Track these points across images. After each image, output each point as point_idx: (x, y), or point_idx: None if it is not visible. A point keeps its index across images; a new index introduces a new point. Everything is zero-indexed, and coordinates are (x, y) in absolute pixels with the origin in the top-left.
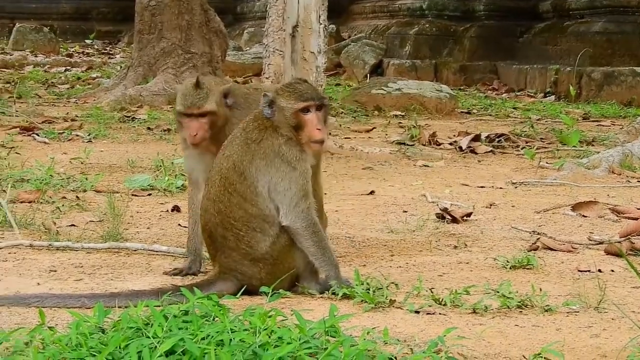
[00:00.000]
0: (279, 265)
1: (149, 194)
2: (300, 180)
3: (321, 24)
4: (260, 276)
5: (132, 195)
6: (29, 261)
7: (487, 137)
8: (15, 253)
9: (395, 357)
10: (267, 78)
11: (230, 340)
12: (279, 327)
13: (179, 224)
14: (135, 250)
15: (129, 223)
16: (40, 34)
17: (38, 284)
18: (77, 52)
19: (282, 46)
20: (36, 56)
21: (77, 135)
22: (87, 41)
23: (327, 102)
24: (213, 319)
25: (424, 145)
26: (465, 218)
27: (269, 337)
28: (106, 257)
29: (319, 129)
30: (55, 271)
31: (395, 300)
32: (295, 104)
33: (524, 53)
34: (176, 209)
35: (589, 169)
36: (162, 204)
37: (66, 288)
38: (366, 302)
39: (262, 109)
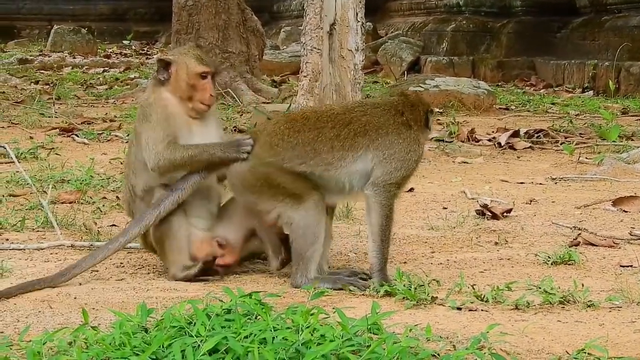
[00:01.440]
0: None
1: None
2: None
3: (359, 21)
4: None
5: None
6: (71, 262)
7: (526, 133)
8: (57, 254)
9: (438, 354)
10: (305, 76)
11: (273, 338)
12: (321, 325)
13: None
14: None
15: None
16: (78, 35)
17: (80, 284)
18: (115, 53)
19: (320, 44)
20: (74, 57)
21: (116, 136)
22: (125, 42)
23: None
24: (255, 317)
25: (463, 141)
26: (505, 214)
27: (312, 335)
28: (147, 257)
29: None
30: (97, 271)
31: (437, 297)
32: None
33: (561, 48)
34: None
35: (629, 163)
36: None
37: (108, 288)
38: (408, 299)
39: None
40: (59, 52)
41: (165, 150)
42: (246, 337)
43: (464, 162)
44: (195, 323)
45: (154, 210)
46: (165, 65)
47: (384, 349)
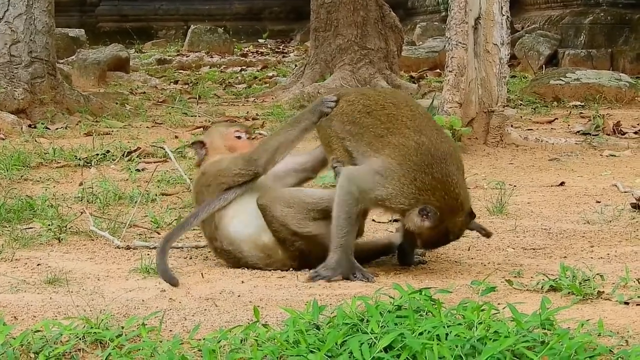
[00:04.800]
0: None
1: None
2: None
3: (503, 15)
4: None
5: None
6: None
7: None
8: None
9: (612, 350)
10: (450, 71)
11: (447, 335)
12: (493, 321)
13: (373, 219)
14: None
15: None
16: (214, 35)
17: (242, 282)
18: (251, 52)
19: (465, 39)
20: (212, 57)
21: (260, 134)
22: (260, 40)
23: None
24: (426, 314)
25: (608, 135)
26: None
27: (486, 331)
28: None
29: None
30: (259, 269)
31: (603, 291)
32: None
33: None
34: None
35: None
36: None
37: (270, 285)
38: (574, 294)
39: None
40: (196, 51)
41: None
42: (420, 333)
43: (612, 155)
44: (367, 320)
45: None
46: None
47: (561, 345)
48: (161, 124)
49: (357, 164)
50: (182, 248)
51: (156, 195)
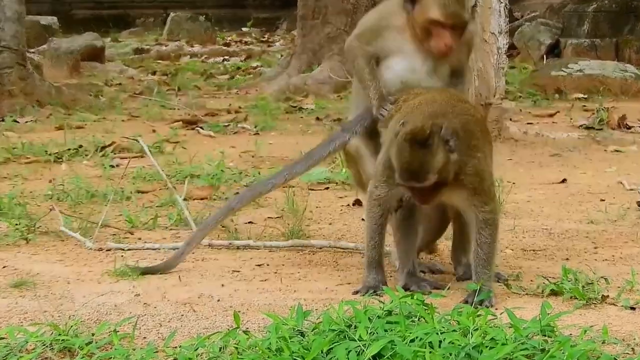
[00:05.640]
0: None
1: (327, 188)
2: None
3: (501, 2)
4: None
5: (309, 189)
6: (210, 261)
7: None
8: (193, 253)
9: (616, 358)
10: None
11: (440, 342)
12: (490, 327)
13: (363, 219)
14: (320, 248)
15: (309, 219)
16: (195, 23)
17: (222, 285)
18: (235, 41)
19: None
20: (192, 46)
21: (244, 128)
22: (244, 29)
23: None
24: (418, 319)
25: (613, 129)
26: None
27: (482, 338)
28: (290, 256)
29: None
30: (239, 271)
31: (607, 295)
32: None
33: None
34: (358, 202)
35: None
36: (341, 197)
37: (252, 289)
38: (577, 298)
39: None
40: (176, 41)
41: (354, 40)
42: (412, 340)
43: (617, 151)
44: (355, 326)
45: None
46: None
47: (563, 353)
48: (138, 117)
49: None
50: (159, 249)
51: (131, 192)
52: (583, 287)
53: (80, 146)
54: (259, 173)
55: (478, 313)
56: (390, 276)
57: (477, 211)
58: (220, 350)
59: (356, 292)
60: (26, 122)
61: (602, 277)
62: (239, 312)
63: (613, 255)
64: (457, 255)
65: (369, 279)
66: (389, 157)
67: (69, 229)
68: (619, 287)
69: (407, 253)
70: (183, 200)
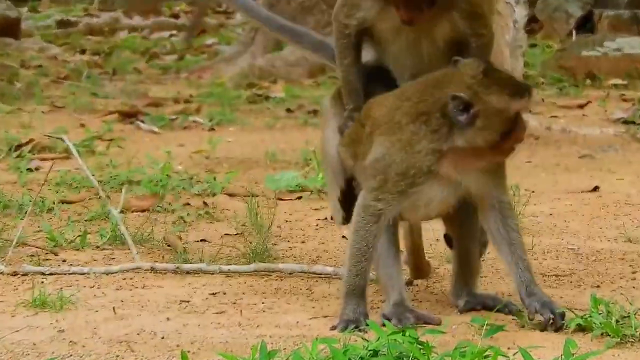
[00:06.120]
0: None
1: (299, 197)
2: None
3: None
4: None
5: (277, 199)
6: (152, 289)
7: None
8: (132, 279)
9: None
10: None
11: None
12: None
13: (344, 236)
14: (290, 273)
15: (277, 236)
16: None
17: (168, 318)
18: (185, 12)
19: None
20: (131, 18)
21: (195, 121)
22: None
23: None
24: None
25: None
26: None
27: None
28: (253, 282)
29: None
30: (189, 302)
31: None
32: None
33: None
34: None
35: None
36: (316, 209)
37: (205, 324)
38: (609, 335)
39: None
40: (110, 11)
41: (338, 12)
42: None
43: None
44: None
45: None
46: None
47: None
48: (62, 107)
49: None
50: (88, 274)
51: (54, 203)
52: (617, 321)
53: None
54: (214, 179)
55: (485, 354)
56: (378, 307)
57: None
58: None
59: (334, 328)
60: None
61: None
62: (187, 352)
63: None
64: (459, 285)
65: (347, 311)
66: (394, 164)
67: None
68: None
69: (393, 279)
70: (119, 213)
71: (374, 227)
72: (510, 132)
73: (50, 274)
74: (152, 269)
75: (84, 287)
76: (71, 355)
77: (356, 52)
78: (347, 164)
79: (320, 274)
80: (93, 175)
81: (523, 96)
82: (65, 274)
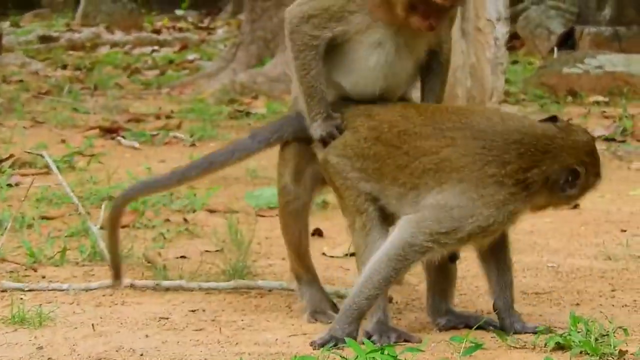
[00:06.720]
0: None
1: None
2: None
3: None
4: None
5: (258, 215)
6: (131, 306)
7: None
8: (112, 295)
9: None
10: None
11: None
12: None
13: (324, 253)
14: (270, 290)
15: (257, 253)
16: (117, 4)
17: (147, 335)
18: (166, 27)
19: None
20: (113, 33)
21: (176, 137)
22: (178, 12)
23: None
24: None
25: (639, 141)
26: None
27: None
28: (232, 299)
29: None
30: (168, 319)
31: (626, 351)
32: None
33: None
34: (318, 232)
35: None
36: None
37: (184, 341)
38: (587, 353)
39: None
40: (92, 26)
41: (301, 22)
42: None
43: None
44: None
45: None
46: None
47: None
48: (43, 123)
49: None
50: (67, 290)
51: (34, 219)
52: (596, 339)
53: None
54: (195, 195)
55: None
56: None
57: None
58: None
59: (313, 343)
60: None
61: (619, 328)
62: None
63: (635, 301)
64: (436, 302)
65: (338, 329)
66: (479, 217)
67: None
68: None
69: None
70: (99, 229)
71: (412, 264)
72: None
73: (29, 290)
74: (132, 285)
75: (63, 303)
76: None
77: (322, 62)
78: (344, 175)
79: None
80: (73, 191)
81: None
82: (44, 290)
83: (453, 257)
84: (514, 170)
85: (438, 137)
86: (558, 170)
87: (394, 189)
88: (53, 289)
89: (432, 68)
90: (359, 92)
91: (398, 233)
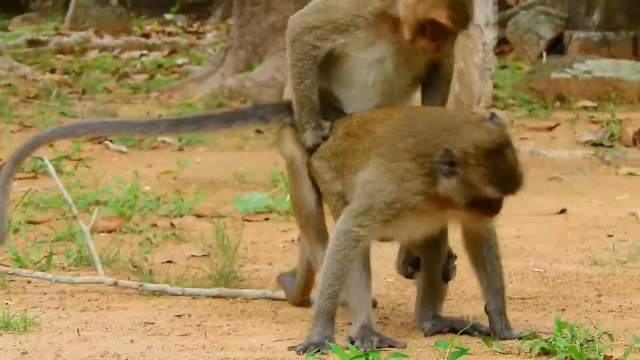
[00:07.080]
0: None
1: (267, 219)
2: None
3: None
4: None
5: (245, 220)
6: (116, 311)
7: None
8: (97, 300)
9: None
10: None
11: None
12: None
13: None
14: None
15: (244, 258)
16: (106, 8)
17: (132, 341)
18: (156, 32)
19: None
20: (102, 38)
21: (164, 142)
22: (168, 16)
23: None
24: None
25: (628, 146)
26: None
27: None
28: (218, 304)
29: None
30: (154, 324)
31: (611, 356)
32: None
33: None
34: None
35: None
36: (284, 231)
37: (169, 347)
38: (573, 359)
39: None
40: (81, 30)
41: (305, 32)
42: None
43: (631, 174)
44: None
45: None
46: None
47: None
48: (31, 127)
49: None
50: (50, 280)
51: (20, 223)
52: (582, 345)
53: None
54: (182, 200)
55: None
56: (343, 330)
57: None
58: None
59: (292, 348)
60: None
61: (605, 333)
62: None
63: (621, 306)
64: (424, 308)
65: (314, 334)
66: (384, 192)
67: None
68: (626, 346)
69: (362, 302)
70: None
71: (352, 252)
72: (486, 203)
73: (12, 274)
74: (116, 284)
75: (49, 308)
76: None
77: (317, 72)
78: (323, 178)
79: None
80: (59, 196)
81: (508, 193)
82: (29, 277)
83: (447, 277)
84: (416, 147)
85: (385, 120)
86: (438, 146)
87: (348, 177)
88: (36, 277)
89: (433, 82)
90: (357, 107)
91: (336, 225)
